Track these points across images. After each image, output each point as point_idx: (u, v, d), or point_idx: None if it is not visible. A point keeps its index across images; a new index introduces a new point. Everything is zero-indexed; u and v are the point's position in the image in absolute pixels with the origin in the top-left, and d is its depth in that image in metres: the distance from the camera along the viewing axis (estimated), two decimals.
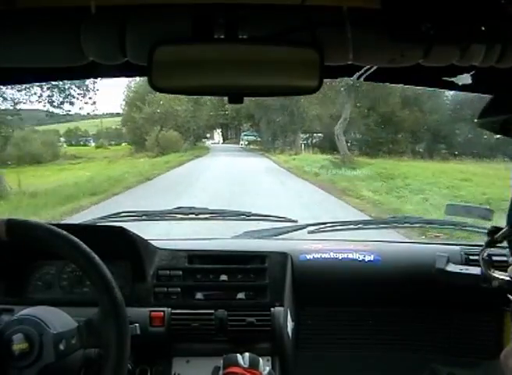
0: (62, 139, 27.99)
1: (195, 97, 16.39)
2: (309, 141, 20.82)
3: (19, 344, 0.80)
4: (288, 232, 1.56)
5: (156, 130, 20.70)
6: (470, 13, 0.71)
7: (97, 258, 0.84)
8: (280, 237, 1.55)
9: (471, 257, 1.36)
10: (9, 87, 10.00)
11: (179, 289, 1.27)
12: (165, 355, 1.22)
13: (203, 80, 0.76)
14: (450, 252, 1.36)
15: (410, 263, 1.39)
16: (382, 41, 0.74)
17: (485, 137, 12.31)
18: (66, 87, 11.34)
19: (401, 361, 1.43)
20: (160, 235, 1.50)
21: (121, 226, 1.27)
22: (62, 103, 11.47)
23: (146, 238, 1.32)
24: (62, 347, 0.81)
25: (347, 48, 0.76)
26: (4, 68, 0.82)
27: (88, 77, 0.99)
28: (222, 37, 0.75)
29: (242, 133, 28.96)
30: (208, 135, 30.98)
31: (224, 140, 32.22)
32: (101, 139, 28.99)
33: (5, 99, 10.57)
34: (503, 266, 1.08)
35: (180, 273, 1.29)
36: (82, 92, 11.67)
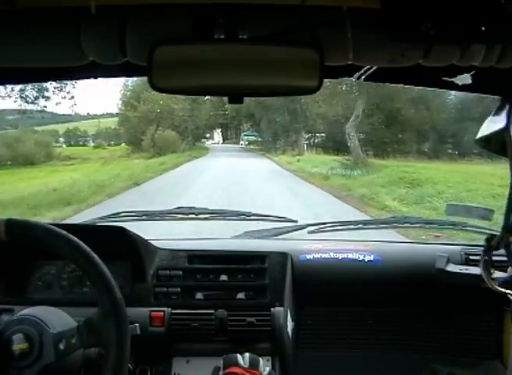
0: (61, 139, 27.97)
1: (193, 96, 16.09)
2: (311, 141, 20.30)
3: (19, 344, 0.80)
4: (288, 232, 1.55)
5: (152, 130, 20.13)
6: (470, 13, 0.71)
7: (96, 257, 0.84)
8: (280, 237, 1.55)
9: (471, 257, 1.36)
10: None
11: (179, 289, 1.27)
12: (165, 355, 1.22)
13: (203, 80, 0.76)
14: (450, 252, 1.36)
15: (410, 263, 1.39)
16: (382, 41, 0.74)
17: None
18: None
19: (401, 361, 1.43)
20: (160, 235, 1.50)
21: (121, 226, 1.27)
22: (36, 98, 10.69)
23: (146, 238, 1.32)
24: (62, 346, 0.81)
25: (347, 48, 0.76)
26: (4, 68, 0.82)
27: (88, 77, 0.98)
28: (222, 37, 0.75)
29: (242, 133, 28.80)
30: (208, 135, 30.92)
31: (224, 140, 32.14)
32: (98, 139, 28.92)
33: None
34: (503, 266, 1.08)
35: (180, 273, 1.30)
36: (59, 86, 10.88)
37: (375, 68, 0.87)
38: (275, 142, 21.98)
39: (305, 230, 1.56)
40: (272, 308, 1.24)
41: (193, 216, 1.60)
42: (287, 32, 0.75)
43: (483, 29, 0.71)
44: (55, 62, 0.81)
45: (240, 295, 1.29)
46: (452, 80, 0.84)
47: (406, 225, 1.65)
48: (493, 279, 1.12)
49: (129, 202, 7.51)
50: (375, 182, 9.66)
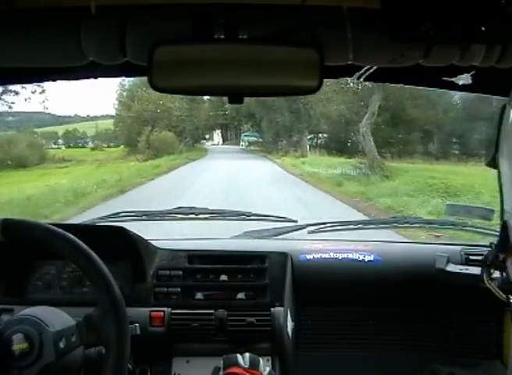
0: (60, 141, 27.92)
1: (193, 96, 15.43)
2: (314, 142, 19.49)
3: (19, 344, 0.80)
4: (288, 232, 1.55)
5: (147, 131, 19.11)
6: (470, 13, 0.71)
7: (96, 256, 0.84)
8: (280, 237, 1.55)
9: (471, 257, 1.36)
10: None
11: (179, 289, 1.27)
12: (165, 355, 1.22)
13: (203, 80, 0.76)
14: (450, 252, 1.36)
15: (410, 263, 1.39)
16: (382, 40, 0.74)
17: None
18: None
19: (401, 361, 1.43)
20: (160, 235, 1.50)
21: (121, 226, 1.27)
22: (2, 93, 10.15)
23: (146, 238, 1.32)
24: (62, 345, 0.81)
25: (347, 48, 0.76)
26: (4, 68, 0.82)
27: (88, 77, 0.98)
28: (222, 37, 0.75)
29: (242, 134, 28.56)
30: (207, 136, 30.81)
31: (224, 141, 31.98)
32: (95, 141, 28.77)
33: None
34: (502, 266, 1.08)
35: (180, 273, 1.29)
36: None
37: (375, 68, 0.87)
38: (277, 143, 21.22)
39: (305, 230, 1.56)
40: (272, 308, 1.24)
41: (193, 216, 1.60)
42: (287, 32, 0.75)
43: (483, 29, 0.71)
44: (55, 62, 0.81)
45: (240, 295, 1.29)
46: (452, 80, 0.84)
47: (406, 225, 1.64)
48: (493, 279, 1.12)
49: None
50: (399, 190, 8.06)
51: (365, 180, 9.56)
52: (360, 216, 6.38)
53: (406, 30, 0.72)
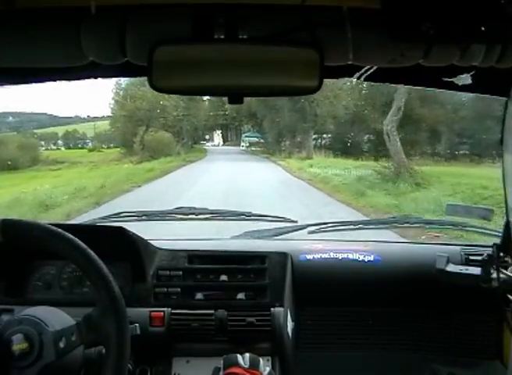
0: (60, 142, 27.87)
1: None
2: (318, 142, 18.89)
3: (19, 345, 0.80)
4: (288, 232, 1.55)
5: (141, 130, 18.26)
6: (470, 13, 0.71)
7: (95, 256, 0.84)
8: (280, 237, 1.55)
9: (471, 257, 1.36)
10: None
11: (179, 289, 1.27)
12: (165, 355, 1.22)
13: (203, 80, 0.76)
14: (450, 252, 1.36)
15: (410, 263, 1.39)
16: (382, 40, 0.75)
17: None
18: None
19: (401, 361, 1.42)
20: (160, 235, 1.50)
21: (121, 227, 1.27)
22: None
23: (146, 238, 1.32)
24: (62, 345, 0.81)
25: (347, 48, 0.76)
26: (4, 68, 0.82)
27: (88, 77, 0.99)
28: (222, 37, 0.75)
29: (243, 135, 28.20)
30: (208, 137, 30.74)
31: (224, 142, 31.81)
32: (94, 142, 28.66)
33: None
34: (502, 267, 1.08)
35: (180, 273, 1.29)
36: None
37: (375, 68, 0.87)
38: (279, 144, 20.52)
39: (305, 230, 1.56)
40: (272, 309, 1.24)
41: (193, 216, 1.60)
42: (287, 32, 0.75)
43: (483, 29, 0.71)
44: (55, 62, 0.81)
45: (240, 295, 1.29)
46: (452, 80, 0.84)
47: (406, 225, 1.64)
48: (493, 279, 1.12)
49: None
50: (441, 202, 6.32)
51: (393, 189, 7.98)
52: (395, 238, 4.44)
53: (406, 30, 0.72)
